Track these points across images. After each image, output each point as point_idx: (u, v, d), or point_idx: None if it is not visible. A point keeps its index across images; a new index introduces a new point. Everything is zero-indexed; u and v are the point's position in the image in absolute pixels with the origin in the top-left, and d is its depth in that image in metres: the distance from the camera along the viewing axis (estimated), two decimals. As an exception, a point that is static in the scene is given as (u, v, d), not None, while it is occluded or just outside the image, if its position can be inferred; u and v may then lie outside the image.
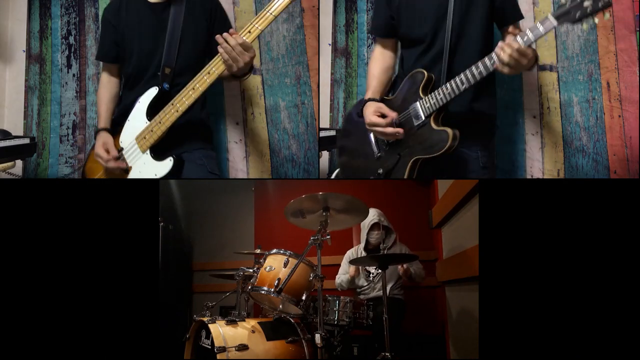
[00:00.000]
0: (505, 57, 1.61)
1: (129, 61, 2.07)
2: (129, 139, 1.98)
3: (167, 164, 1.90)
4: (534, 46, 1.68)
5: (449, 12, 1.83)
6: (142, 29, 2.01)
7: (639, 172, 2.08)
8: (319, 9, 2.44)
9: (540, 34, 1.60)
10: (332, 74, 2.84)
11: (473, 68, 1.70)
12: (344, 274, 2.73)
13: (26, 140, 2.48)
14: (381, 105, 1.93)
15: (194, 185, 3.55)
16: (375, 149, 1.99)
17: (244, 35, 1.74)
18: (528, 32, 1.61)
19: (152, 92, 1.94)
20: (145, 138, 1.93)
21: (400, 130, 1.86)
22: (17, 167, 2.46)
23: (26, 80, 2.76)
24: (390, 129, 1.86)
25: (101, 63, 2.34)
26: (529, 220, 1.71)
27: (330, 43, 2.84)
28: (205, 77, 1.82)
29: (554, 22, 1.59)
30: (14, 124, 2.75)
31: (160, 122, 1.88)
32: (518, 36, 1.63)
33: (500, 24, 1.93)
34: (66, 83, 2.69)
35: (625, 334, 1.61)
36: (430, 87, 1.86)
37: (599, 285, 1.64)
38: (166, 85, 1.93)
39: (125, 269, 1.75)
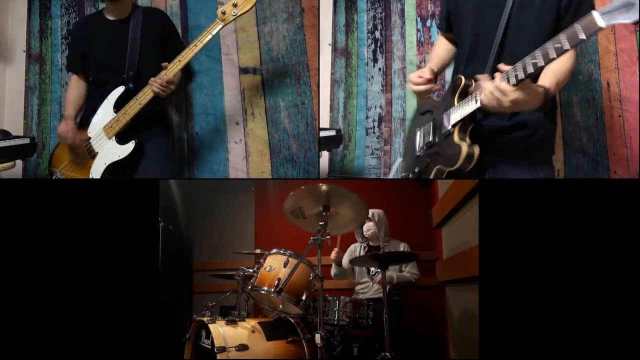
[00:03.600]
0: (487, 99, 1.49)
1: (96, 69, 2.36)
2: (97, 129, 2.25)
3: (129, 147, 2.20)
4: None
5: (501, 25, 1.65)
6: (105, 43, 2.32)
7: (639, 172, 2.08)
8: (319, 9, 2.44)
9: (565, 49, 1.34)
10: (332, 74, 2.84)
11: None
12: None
13: (26, 140, 2.48)
14: (425, 69, 1.86)
15: (194, 185, 3.55)
16: (417, 147, 1.88)
17: (176, 64, 2.15)
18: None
19: (120, 90, 2.25)
20: (111, 127, 2.21)
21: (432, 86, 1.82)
22: (17, 167, 2.46)
23: (26, 80, 2.77)
24: (418, 80, 1.81)
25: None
26: (529, 220, 1.70)
27: (330, 43, 2.84)
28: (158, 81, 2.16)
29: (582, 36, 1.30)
30: (14, 124, 2.76)
31: (125, 113, 2.20)
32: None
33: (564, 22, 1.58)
34: (66, 83, 2.69)
35: (625, 334, 1.61)
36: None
37: (599, 285, 1.64)
38: (131, 85, 2.25)
39: (125, 269, 1.75)
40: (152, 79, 2.16)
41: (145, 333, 1.72)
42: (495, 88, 1.45)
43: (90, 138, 2.25)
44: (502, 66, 1.49)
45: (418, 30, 2.68)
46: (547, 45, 1.36)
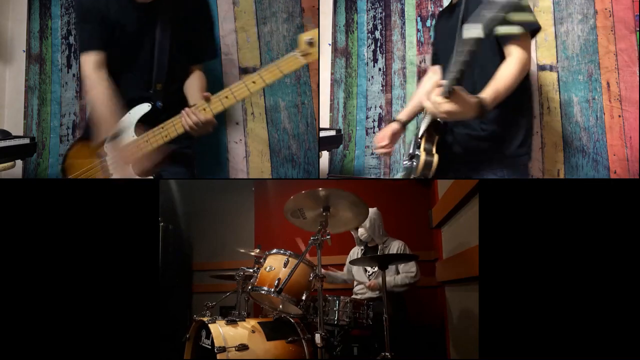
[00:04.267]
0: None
1: (114, 64, 1.93)
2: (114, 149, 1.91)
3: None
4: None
5: (456, 42, 1.84)
6: (128, 33, 1.89)
7: (639, 172, 2.08)
8: (318, 9, 2.43)
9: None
10: (332, 74, 2.84)
11: None
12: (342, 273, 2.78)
13: (26, 140, 2.48)
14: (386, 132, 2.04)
15: (194, 185, 3.55)
16: (405, 158, 2.05)
17: (221, 100, 1.76)
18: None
19: (145, 107, 1.89)
20: (131, 152, 1.88)
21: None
22: (17, 167, 2.46)
23: (26, 80, 2.77)
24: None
25: (79, 63, 2.32)
26: (529, 220, 1.70)
27: (330, 43, 2.84)
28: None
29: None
30: (14, 124, 2.75)
31: (147, 142, 1.85)
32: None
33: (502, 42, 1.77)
34: (66, 83, 2.70)
35: (625, 334, 1.61)
36: None
37: (598, 285, 1.64)
38: (159, 104, 1.90)
39: (125, 269, 1.75)
40: (187, 110, 1.76)
41: (145, 333, 1.72)
42: (431, 101, 1.55)
43: (107, 155, 1.93)
44: (441, 81, 1.60)
45: (418, 30, 2.68)
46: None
